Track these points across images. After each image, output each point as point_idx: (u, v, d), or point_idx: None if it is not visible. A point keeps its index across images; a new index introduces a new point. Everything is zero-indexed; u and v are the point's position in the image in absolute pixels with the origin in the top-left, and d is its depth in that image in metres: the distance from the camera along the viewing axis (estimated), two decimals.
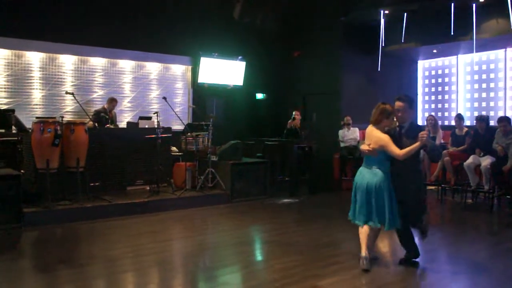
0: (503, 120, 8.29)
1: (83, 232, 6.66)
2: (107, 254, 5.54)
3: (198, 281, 4.94)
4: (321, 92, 11.92)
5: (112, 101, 9.93)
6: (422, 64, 13.13)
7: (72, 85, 10.23)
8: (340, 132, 10.92)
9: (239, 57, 12.35)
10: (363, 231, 4.98)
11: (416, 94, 13.02)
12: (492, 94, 11.40)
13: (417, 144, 4.69)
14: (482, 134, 8.64)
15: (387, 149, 4.83)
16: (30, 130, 7.61)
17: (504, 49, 11.03)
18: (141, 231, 6.66)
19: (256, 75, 12.75)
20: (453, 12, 9.62)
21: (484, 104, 11.57)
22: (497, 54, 11.21)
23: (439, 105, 12.69)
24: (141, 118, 9.73)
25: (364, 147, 4.99)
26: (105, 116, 9.46)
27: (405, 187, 4.91)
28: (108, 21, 10.36)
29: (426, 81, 13.04)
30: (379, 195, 4.86)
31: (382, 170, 4.93)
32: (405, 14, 10.43)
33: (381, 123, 4.95)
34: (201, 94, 12.18)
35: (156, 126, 8.66)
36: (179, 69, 11.98)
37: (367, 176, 4.97)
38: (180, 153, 9.77)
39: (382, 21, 10.72)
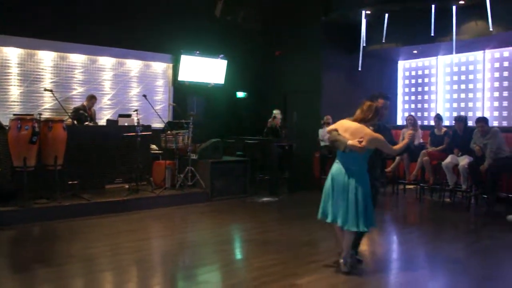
0: (481, 120, 8.41)
1: (61, 230, 6.57)
2: (85, 252, 5.49)
3: (178, 279, 4.92)
4: (302, 91, 11.94)
5: (92, 99, 9.80)
6: (403, 64, 13.25)
7: (51, 82, 10.06)
8: (320, 131, 10.95)
9: (221, 55, 12.31)
10: (350, 234, 4.78)
11: (396, 94, 13.14)
12: (470, 95, 11.56)
13: (406, 141, 4.99)
14: (461, 134, 8.77)
15: (384, 147, 4.79)
16: (7, 127, 7.46)
17: (482, 51, 11.19)
18: (120, 230, 6.61)
19: (237, 74, 12.72)
20: (434, 13, 9.71)
21: (462, 104, 11.73)
22: (476, 55, 11.37)
23: (419, 105, 12.82)
24: (120, 115, 9.65)
25: (354, 142, 4.64)
26: (84, 113, 9.34)
27: (373, 182, 4.95)
28: (88, 17, 10.20)
29: (406, 81, 13.16)
30: (366, 195, 4.70)
31: (364, 169, 4.79)
32: (387, 14, 10.51)
33: (370, 121, 4.84)
34: (181, 92, 12.10)
35: (135, 124, 8.59)
36: (160, 67, 11.88)
37: (352, 176, 4.73)
38: (160, 151, 9.71)
39: (364, 21, 10.77)
